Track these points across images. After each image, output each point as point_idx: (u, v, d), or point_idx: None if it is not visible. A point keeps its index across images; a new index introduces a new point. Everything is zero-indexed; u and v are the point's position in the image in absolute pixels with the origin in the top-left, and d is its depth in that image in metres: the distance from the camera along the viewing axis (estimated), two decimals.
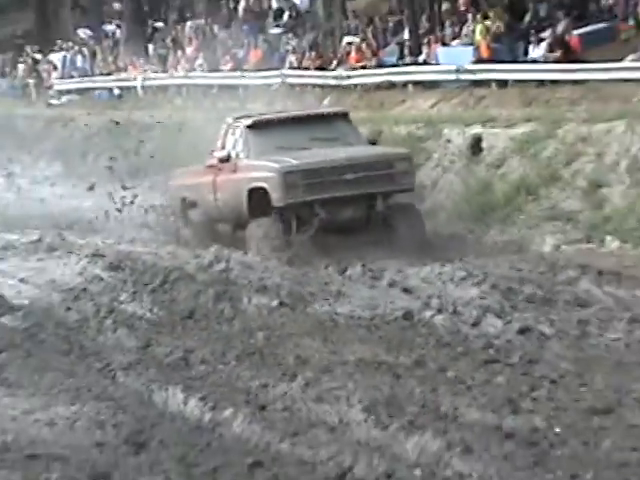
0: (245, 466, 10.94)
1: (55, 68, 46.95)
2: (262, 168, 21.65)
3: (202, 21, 44.02)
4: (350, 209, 21.26)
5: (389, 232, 21.04)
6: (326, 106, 30.41)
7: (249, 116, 23.90)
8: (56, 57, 47.50)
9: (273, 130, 22.69)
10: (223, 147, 23.22)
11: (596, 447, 11.20)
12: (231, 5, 46.05)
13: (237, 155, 22.60)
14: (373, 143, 23.78)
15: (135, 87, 42.12)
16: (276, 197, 21.03)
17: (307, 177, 20.98)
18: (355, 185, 21.08)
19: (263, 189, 21.31)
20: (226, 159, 22.64)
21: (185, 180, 24.77)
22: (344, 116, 23.45)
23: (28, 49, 49.61)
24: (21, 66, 48.36)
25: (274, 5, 44.93)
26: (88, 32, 49.69)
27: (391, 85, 32.65)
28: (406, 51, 34.59)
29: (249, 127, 22.72)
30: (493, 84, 29.62)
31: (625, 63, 27.35)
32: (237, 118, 23.70)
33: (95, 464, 11.09)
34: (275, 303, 18.01)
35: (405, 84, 32.21)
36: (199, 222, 23.95)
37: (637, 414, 12.15)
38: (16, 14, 57.41)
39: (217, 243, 22.37)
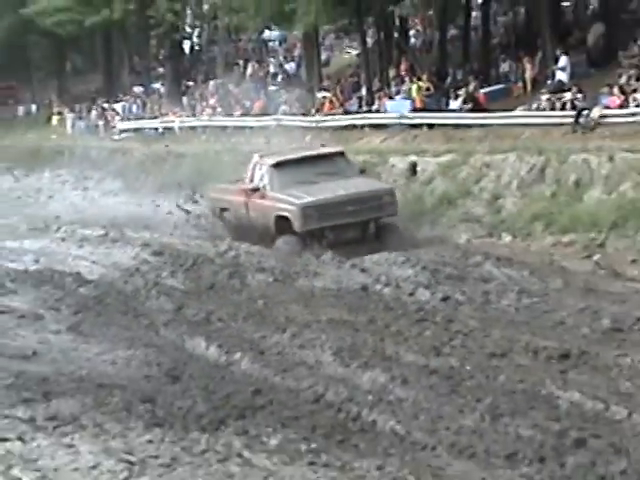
0: (249, 393, 10.93)
1: (117, 114, 46.80)
2: (286, 201, 21.13)
3: (220, 81, 43.88)
4: (350, 231, 20.82)
5: (378, 243, 20.56)
6: (308, 142, 30.19)
7: (270, 154, 23.30)
8: (118, 106, 47.35)
9: (290, 167, 21.96)
10: (252, 179, 22.56)
11: (494, 380, 11.20)
12: (241, 70, 46.01)
13: (264, 187, 21.94)
14: (363, 171, 23.17)
15: (173, 127, 41.97)
16: (297, 225, 20.67)
17: (319, 210, 20.52)
18: (354, 214, 20.68)
19: (287, 217, 20.94)
20: (256, 189, 22.08)
21: (224, 195, 24.06)
22: (341, 154, 22.90)
23: (99, 100, 49.48)
24: (93, 112, 48.19)
25: (272, 70, 44.98)
26: (141, 88, 49.55)
27: (353, 127, 32.55)
28: (364, 103, 34.57)
29: (273, 166, 22.07)
30: (424, 127, 29.57)
31: (516, 112, 27.34)
32: (262, 157, 23.02)
33: (144, 391, 11.06)
34: (271, 279, 17.99)
35: (363, 126, 32.11)
36: (234, 226, 23.32)
37: (523, 357, 12.16)
38: (90, 75, 57.28)
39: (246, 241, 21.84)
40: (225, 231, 23.50)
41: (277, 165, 22.12)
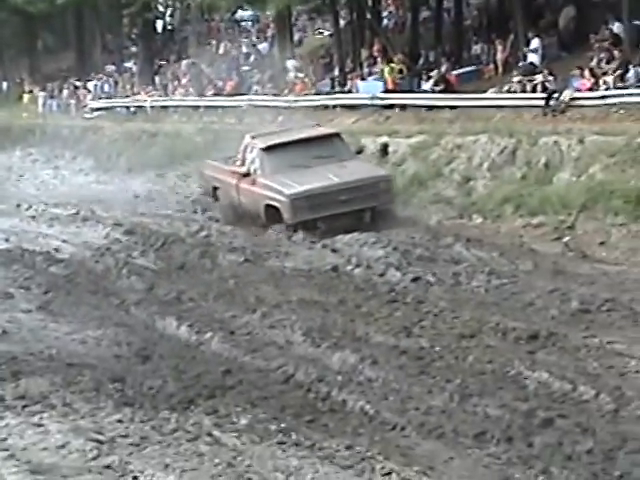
0: (219, 373, 10.92)
1: (89, 92, 46.53)
2: (276, 190, 20.06)
3: (193, 60, 43.68)
4: (344, 221, 19.55)
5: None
6: (281, 122, 30.15)
7: (262, 136, 22.07)
8: (90, 84, 47.08)
9: (282, 151, 20.85)
10: (243, 162, 21.48)
11: (463, 361, 11.24)
12: (214, 50, 45.82)
13: (255, 171, 20.92)
14: (359, 152, 22.12)
15: (145, 107, 41.77)
16: (287, 216, 19.68)
17: (310, 200, 19.51)
18: (348, 203, 19.63)
19: (276, 207, 19.99)
20: (247, 174, 21.04)
21: (216, 174, 22.84)
22: (337, 136, 21.87)
23: (70, 79, 49.18)
24: (65, 91, 47.88)
25: (244, 50, 44.80)
26: (113, 67, 49.28)
27: (325, 107, 32.49)
28: (336, 83, 34.52)
29: (264, 149, 21.00)
30: (396, 108, 29.55)
31: (487, 94, 27.35)
32: (254, 138, 21.87)
33: (114, 370, 11.04)
34: (241, 259, 17.92)
35: (335, 107, 32.06)
36: (226, 207, 22.05)
37: (492, 338, 12.20)
38: (62, 53, 56.84)
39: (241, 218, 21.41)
40: (217, 212, 22.55)
41: (268, 149, 21.03)
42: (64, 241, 20.54)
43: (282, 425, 8.98)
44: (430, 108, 28.18)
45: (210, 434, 8.68)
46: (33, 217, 24.08)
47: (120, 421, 8.92)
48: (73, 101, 46.78)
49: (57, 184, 33.27)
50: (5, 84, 56.22)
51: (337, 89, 33.79)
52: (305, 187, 19.73)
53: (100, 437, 8.40)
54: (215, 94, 38.90)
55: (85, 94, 46.53)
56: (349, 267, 16.87)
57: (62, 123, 43.72)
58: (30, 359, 11.54)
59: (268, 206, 20.19)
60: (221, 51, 44.72)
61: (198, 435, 8.63)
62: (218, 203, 22.69)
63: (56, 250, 19.22)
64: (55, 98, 48.26)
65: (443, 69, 29.78)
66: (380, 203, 20.16)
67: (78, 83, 47.92)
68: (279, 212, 19.90)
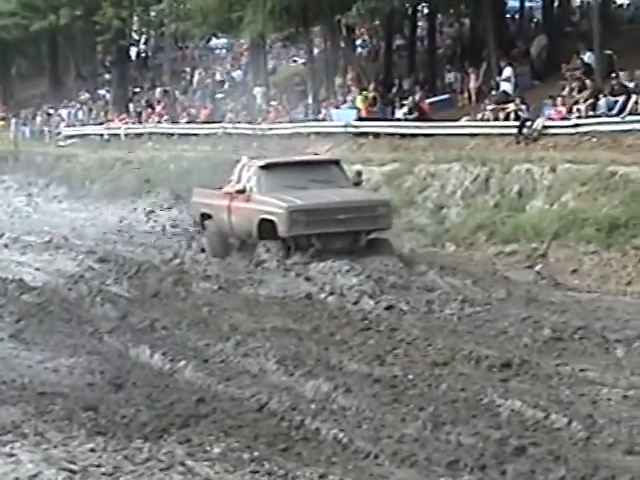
0: (193, 401, 10.89)
1: (63, 119, 46.52)
2: (272, 204, 19.75)
3: (167, 88, 43.76)
4: (339, 241, 19.38)
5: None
6: (254, 149, 30.19)
7: (260, 157, 21.99)
8: (64, 112, 47.09)
9: (280, 171, 20.69)
10: (238, 180, 21.05)
11: (437, 389, 11.26)
12: (188, 77, 45.94)
13: (250, 189, 20.48)
14: (357, 184, 21.60)
15: (119, 134, 41.79)
16: (282, 229, 19.36)
17: (308, 215, 19.30)
18: (345, 223, 19.37)
19: (272, 221, 19.60)
20: (242, 191, 20.58)
21: (204, 199, 22.30)
22: (336, 163, 21.57)
23: (44, 106, 49.16)
24: (38, 118, 47.87)
25: (218, 78, 44.95)
26: (87, 95, 49.30)
27: (299, 135, 32.64)
28: (309, 111, 34.68)
29: (261, 167, 20.73)
30: (370, 136, 29.71)
31: (461, 122, 27.60)
32: (251, 158, 21.76)
33: (87, 399, 10.99)
34: (215, 287, 17.87)
35: (309, 134, 32.21)
36: (213, 233, 21.54)
37: (465, 366, 12.23)
38: (35, 80, 56.85)
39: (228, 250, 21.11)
40: (205, 243, 21.63)
41: (266, 167, 20.77)
42: (37, 269, 20.47)
43: (255, 454, 8.96)
44: (403, 136, 28.35)
45: (183, 463, 8.65)
46: (5, 245, 23.99)
47: (93, 450, 8.88)
48: (46, 128, 46.76)
49: (30, 211, 33.17)
50: None
51: (311, 117, 33.94)
52: (304, 201, 19.52)
53: (72, 467, 8.35)
54: (189, 121, 39.01)
55: (59, 121, 46.52)
56: (323, 295, 16.87)
57: (35, 150, 43.67)
58: (2, 388, 11.47)
59: (262, 220, 19.77)
60: (195, 79, 44.87)
61: (171, 464, 8.59)
62: (205, 233, 22.03)
63: (29, 278, 19.13)
64: (28, 125, 48.21)
65: (417, 97, 30.00)
66: (378, 227, 19.93)
67: (52, 110, 47.91)
68: (274, 226, 19.52)
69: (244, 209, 20.48)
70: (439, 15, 37.36)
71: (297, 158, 22.21)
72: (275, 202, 19.70)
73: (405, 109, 29.70)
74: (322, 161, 22.20)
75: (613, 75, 24.49)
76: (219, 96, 41.45)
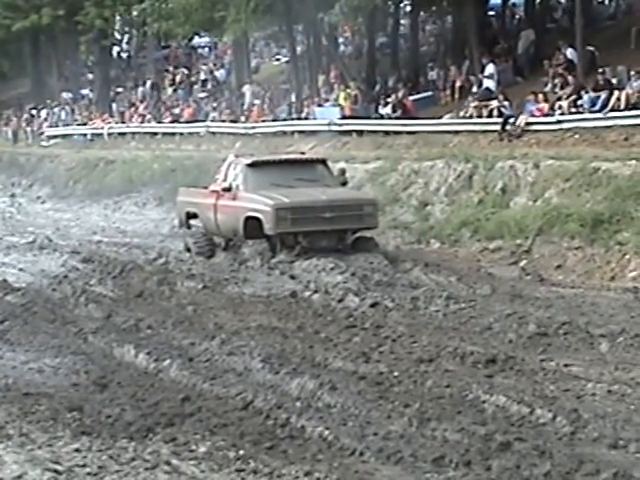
0: (178, 400, 10.85)
1: (45, 120, 46.42)
2: (258, 202, 19.64)
3: (150, 87, 43.70)
4: (325, 240, 19.43)
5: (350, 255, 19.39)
6: (238, 148, 30.20)
7: (247, 156, 22.07)
8: (46, 112, 46.99)
9: (267, 169, 20.69)
10: (225, 178, 21.06)
11: (422, 385, 11.26)
12: (171, 76, 45.87)
13: (237, 187, 20.50)
14: (344, 184, 21.94)
15: (102, 134, 41.72)
16: (268, 227, 19.35)
17: (294, 213, 19.27)
18: (331, 222, 19.35)
19: (258, 219, 19.60)
20: (228, 189, 20.58)
21: (190, 198, 22.40)
22: (323, 162, 21.53)
23: (26, 106, 49.05)
24: (21, 118, 47.78)
25: (201, 77, 44.88)
26: (69, 95, 49.20)
27: (283, 133, 32.67)
28: (293, 109, 34.68)
29: (248, 165, 20.73)
30: (354, 133, 29.75)
31: (444, 120, 27.64)
32: (237, 156, 21.84)
33: (72, 399, 10.95)
34: (200, 286, 17.85)
35: (292, 133, 32.24)
36: (199, 232, 21.69)
37: (450, 363, 12.24)
38: (17, 81, 56.73)
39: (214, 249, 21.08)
40: (190, 242, 21.48)
41: (253, 165, 20.78)
42: (21, 269, 20.40)
43: (241, 452, 8.94)
44: (387, 134, 28.39)
45: (168, 462, 8.63)
46: None
47: (78, 450, 8.85)
48: (29, 128, 46.64)
49: (14, 212, 33.09)
50: None
51: (294, 115, 33.95)
52: (290, 199, 19.52)
53: (57, 467, 8.33)
54: (172, 121, 38.95)
55: (41, 122, 46.41)
56: (307, 293, 16.87)
57: (18, 150, 43.59)
58: None
59: (249, 218, 19.77)
60: (178, 78, 44.81)
61: (156, 464, 8.58)
62: (189, 232, 22.10)
63: (13, 279, 19.06)
64: (10, 125, 48.07)
65: (400, 95, 30.02)
66: (364, 226, 19.92)
67: (34, 110, 47.80)
68: (260, 224, 19.53)
69: (230, 207, 20.48)
70: (421, 13, 37.39)
71: (284, 157, 22.25)
72: (261, 200, 19.68)
73: (388, 107, 29.72)
74: (309, 160, 22.18)
75: (599, 71, 24.49)
76: (202, 95, 41.42)
